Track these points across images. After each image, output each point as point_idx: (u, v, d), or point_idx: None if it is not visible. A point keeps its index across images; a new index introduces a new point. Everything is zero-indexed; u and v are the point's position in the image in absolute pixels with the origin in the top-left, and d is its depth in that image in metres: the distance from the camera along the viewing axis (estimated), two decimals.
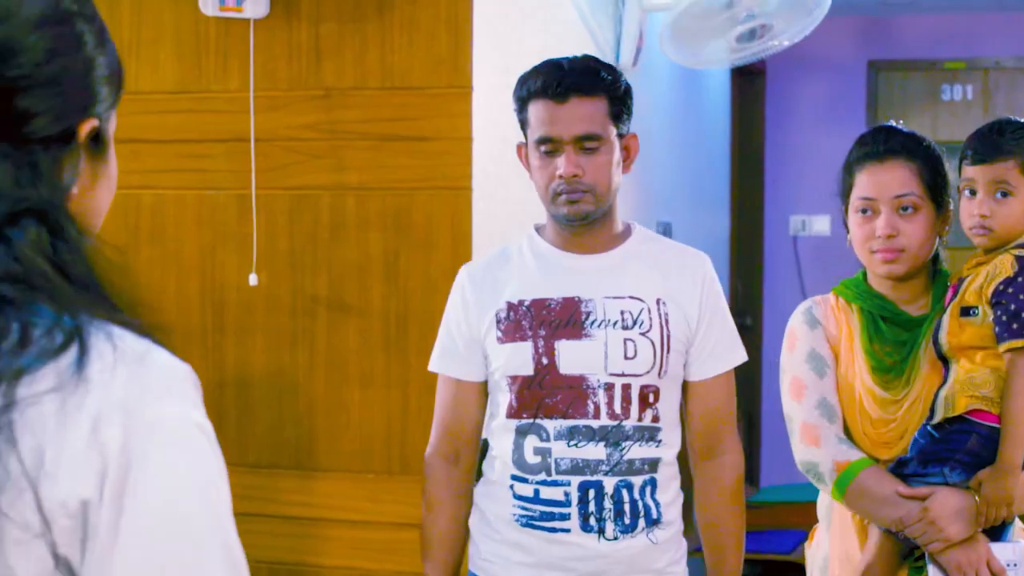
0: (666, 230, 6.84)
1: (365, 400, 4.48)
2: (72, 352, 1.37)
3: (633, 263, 3.41)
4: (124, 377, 1.40)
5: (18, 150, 1.44)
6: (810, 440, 3.38)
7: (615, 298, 3.35)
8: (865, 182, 3.38)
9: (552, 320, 3.34)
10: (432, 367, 3.54)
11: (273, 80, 4.54)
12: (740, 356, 3.48)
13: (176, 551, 1.36)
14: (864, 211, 3.38)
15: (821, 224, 9.50)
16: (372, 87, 4.45)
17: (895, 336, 3.41)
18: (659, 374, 3.33)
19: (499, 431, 3.42)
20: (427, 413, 4.33)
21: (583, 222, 3.35)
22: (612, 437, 3.30)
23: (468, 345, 3.45)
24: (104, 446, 1.35)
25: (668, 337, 3.34)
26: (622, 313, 3.33)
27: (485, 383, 3.47)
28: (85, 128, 1.52)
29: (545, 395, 3.33)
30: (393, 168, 4.43)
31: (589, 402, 3.30)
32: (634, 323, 3.33)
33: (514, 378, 3.36)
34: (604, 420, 3.30)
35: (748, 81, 9.43)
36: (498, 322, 3.38)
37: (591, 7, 5.57)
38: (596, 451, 3.30)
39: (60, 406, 1.35)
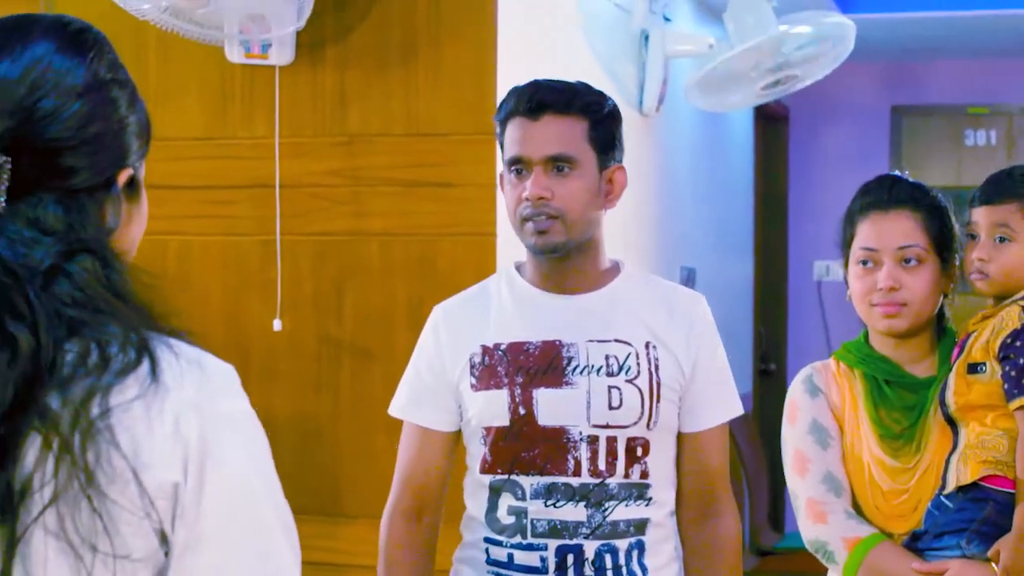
0: (690, 275, 6.84)
1: (390, 446, 4.45)
2: (145, 363, 1.65)
3: (620, 304, 3.11)
4: (191, 380, 1.69)
5: (68, 198, 1.71)
6: (816, 517, 3.16)
7: (600, 342, 3.05)
8: (867, 232, 3.23)
9: (530, 366, 3.04)
10: (395, 412, 3.26)
11: (298, 126, 4.56)
12: (736, 408, 3.20)
13: (244, 512, 1.69)
14: (865, 262, 3.22)
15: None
16: (397, 133, 4.47)
17: (902, 400, 3.21)
18: (648, 425, 3.03)
19: (473, 487, 3.14)
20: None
21: (554, 255, 3.04)
22: (594, 497, 2.99)
23: (438, 391, 3.15)
24: (185, 439, 1.65)
25: (658, 384, 3.04)
26: (607, 358, 3.03)
27: (455, 433, 3.18)
28: (122, 177, 1.79)
29: (521, 448, 3.02)
30: (417, 214, 4.44)
31: (569, 457, 3.00)
32: (620, 369, 3.03)
33: (488, 429, 3.06)
34: (585, 477, 2.99)
35: (772, 126, 9.44)
36: (472, 367, 3.09)
37: (614, 53, 5.59)
38: (576, 512, 2.99)
39: (146, 409, 1.64)
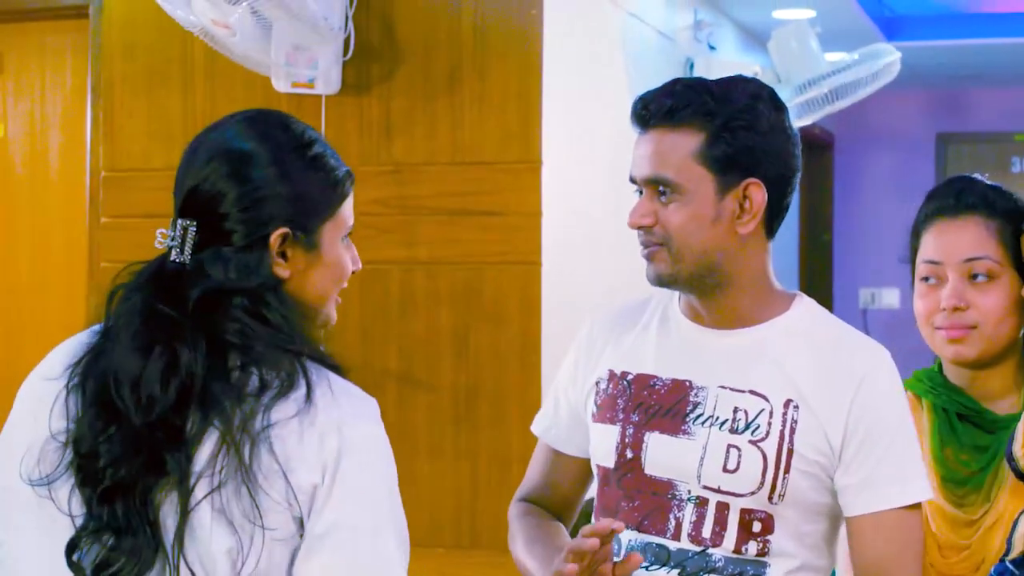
0: None
1: (435, 473, 4.48)
2: (303, 388, 2.08)
3: (770, 348, 2.57)
4: (339, 404, 2.11)
5: (234, 253, 2.15)
6: None
7: (732, 390, 2.54)
8: (931, 243, 2.74)
9: (652, 404, 2.59)
10: (532, 427, 2.87)
11: (344, 155, 4.49)
12: (911, 493, 2.51)
13: (363, 511, 2.10)
14: (927, 279, 2.73)
15: (891, 297, 9.46)
16: (442, 162, 4.47)
17: (973, 440, 2.70)
18: (771, 498, 2.49)
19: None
20: (497, 486, 4.34)
21: (673, 288, 2.61)
22: (691, 567, 2.52)
23: (572, 415, 2.76)
24: (327, 451, 2.07)
25: (789, 453, 2.49)
26: (735, 411, 2.53)
27: (587, 461, 2.75)
28: (274, 236, 2.16)
29: (623, 498, 2.60)
30: (463, 243, 4.44)
31: (671, 517, 2.54)
32: (747, 427, 2.52)
33: (599, 468, 2.66)
34: (685, 543, 2.52)
35: (817, 154, 9.43)
36: (596, 394, 2.68)
37: (659, 81, 5.58)
38: None
39: (299, 425, 2.06)
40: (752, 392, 2.53)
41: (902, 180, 9.64)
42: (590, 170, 4.77)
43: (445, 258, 4.47)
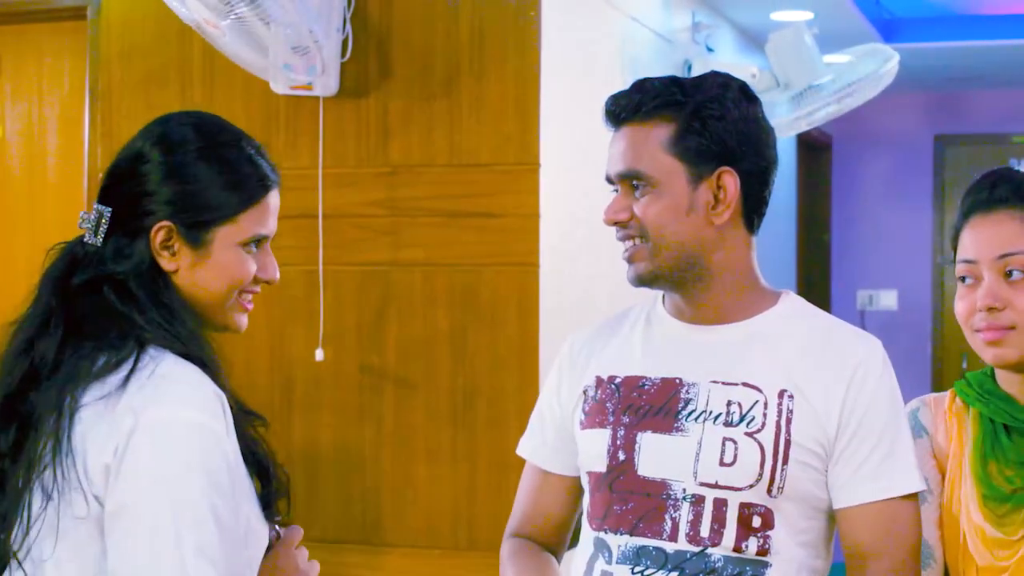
0: None
1: (432, 476, 4.49)
2: (124, 371, 2.13)
3: (759, 341, 2.54)
4: (145, 388, 2.13)
5: (119, 242, 2.26)
6: None
7: (724, 384, 2.50)
8: (967, 241, 2.56)
9: (641, 405, 2.54)
10: (519, 450, 2.83)
11: (342, 157, 4.57)
12: (903, 485, 2.47)
13: (147, 495, 2.09)
14: (964, 279, 2.56)
15: (888, 299, 9.46)
16: (440, 164, 4.48)
17: (1020, 454, 2.53)
18: (769, 491, 2.44)
19: (582, 543, 2.63)
20: (495, 489, 4.34)
21: (655, 286, 2.57)
22: (690, 568, 2.45)
23: (559, 431, 2.70)
24: (120, 432, 2.10)
25: (787, 443, 2.44)
26: (728, 404, 2.48)
27: (577, 479, 2.70)
28: (155, 229, 2.23)
29: (615, 501, 2.52)
30: (460, 244, 4.45)
31: (667, 517, 2.47)
32: (741, 419, 2.46)
33: (590, 475, 2.59)
34: (682, 544, 2.45)
35: (814, 155, 9.43)
36: (584, 401, 2.63)
37: None
38: None
39: (104, 407, 2.12)
40: (745, 384, 2.49)
41: (900, 182, 9.65)
42: (588, 172, 4.77)
43: (442, 260, 4.47)
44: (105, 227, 2.26)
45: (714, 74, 2.60)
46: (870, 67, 5.86)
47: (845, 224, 9.69)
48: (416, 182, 4.50)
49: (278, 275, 2.37)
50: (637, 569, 2.48)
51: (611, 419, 2.55)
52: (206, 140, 2.28)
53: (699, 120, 2.49)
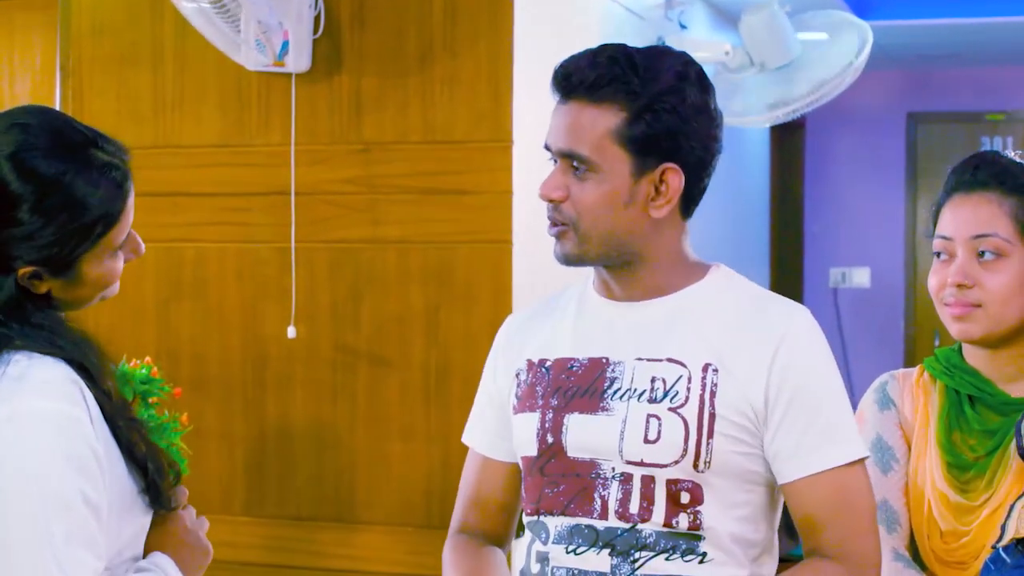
0: None
1: (406, 453, 4.48)
2: None
3: (683, 316, 2.49)
4: (2, 386, 2.12)
5: None
6: None
7: (649, 360, 2.46)
8: (945, 219, 2.67)
9: (569, 387, 2.50)
10: (463, 437, 2.80)
11: (314, 134, 4.56)
12: (847, 452, 2.43)
13: (7, 488, 2.07)
14: (939, 254, 2.68)
15: (861, 276, 9.48)
16: (413, 141, 4.47)
17: (983, 424, 2.65)
18: (696, 466, 2.40)
19: (525, 529, 2.62)
20: None
21: (581, 265, 2.53)
22: (621, 544, 2.42)
23: (498, 416, 2.66)
24: None
25: (711, 417, 2.40)
26: (652, 380, 2.44)
27: (516, 465, 2.66)
28: (20, 273, 2.19)
29: (546, 484, 2.50)
30: (434, 222, 4.44)
31: (596, 496, 2.45)
32: (665, 395, 2.43)
33: (523, 460, 2.57)
34: (612, 521, 2.43)
35: (787, 134, 9.43)
36: (517, 386, 2.60)
37: None
38: (598, 561, 2.44)
39: None
40: (669, 360, 2.45)
41: (872, 160, 9.67)
42: None
43: (415, 237, 4.47)
44: None
45: (671, 58, 2.49)
46: (845, 56, 5.84)
47: (818, 202, 9.71)
48: (389, 159, 4.49)
49: (144, 247, 2.35)
50: (570, 548, 2.46)
51: (540, 402, 2.52)
52: (40, 186, 2.19)
53: (652, 113, 2.41)
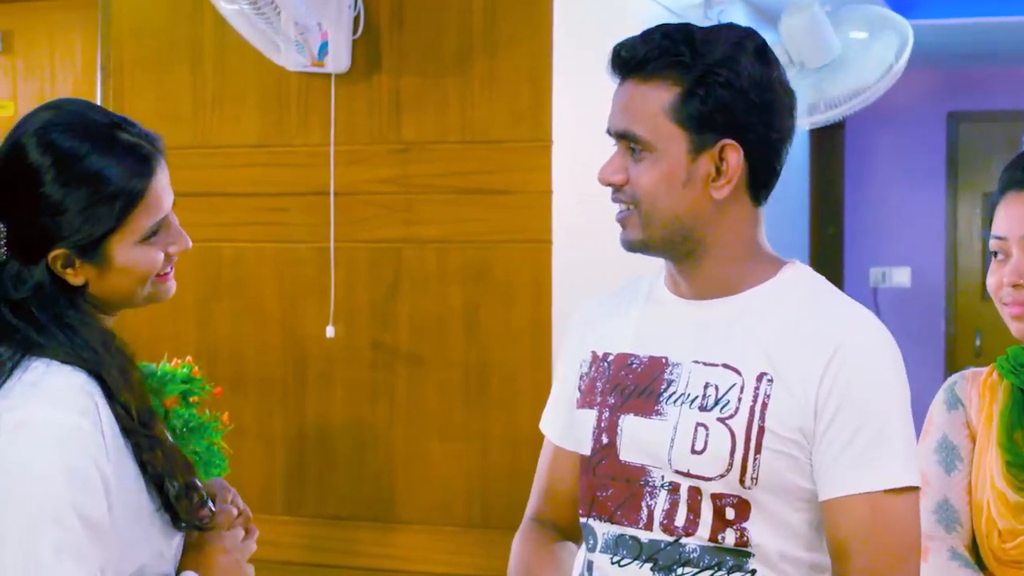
0: None
1: (444, 453, 4.48)
2: (0, 380, 2.15)
3: (747, 318, 2.34)
4: (12, 394, 2.13)
5: (16, 264, 2.24)
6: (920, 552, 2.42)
7: (705, 364, 2.33)
8: (1000, 217, 2.61)
9: (628, 385, 2.40)
10: (540, 423, 2.67)
11: (353, 134, 4.57)
12: (894, 476, 2.24)
13: (2, 498, 2.08)
14: (996, 253, 2.62)
15: (901, 276, 9.44)
16: (452, 141, 4.47)
17: None
18: (743, 481, 2.27)
19: None
20: (507, 466, 4.34)
21: (646, 253, 2.40)
22: (664, 559, 2.31)
23: (569, 404, 2.53)
24: None
25: (760, 431, 2.26)
26: (705, 387, 2.32)
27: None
28: (51, 257, 2.21)
29: (598, 487, 2.41)
30: (473, 221, 4.44)
31: (643, 505, 2.34)
32: (715, 403, 2.30)
33: (580, 457, 2.48)
34: (657, 533, 2.32)
35: (827, 134, 9.39)
36: (581, 378, 2.50)
37: None
38: (641, 574, 2.34)
39: None
40: (725, 366, 2.31)
41: (913, 160, 9.62)
42: (600, 148, 4.75)
43: (454, 237, 4.47)
44: (4, 240, 2.24)
45: (729, 29, 2.38)
46: (886, 56, 5.81)
47: (858, 201, 9.67)
48: (428, 159, 4.49)
49: (190, 243, 2.34)
50: (615, 559, 2.36)
51: (599, 399, 2.42)
52: (61, 160, 2.22)
53: (705, 86, 2.28)
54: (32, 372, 2.15)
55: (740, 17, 6.78)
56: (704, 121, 2.29)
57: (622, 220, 2.36)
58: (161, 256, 2.29)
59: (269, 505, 4.63)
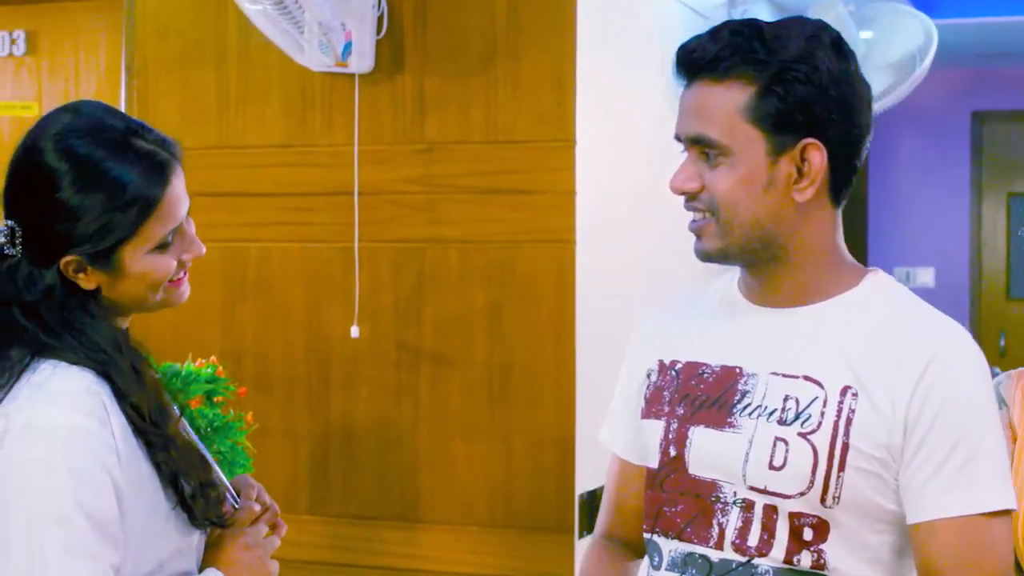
0: None
1: (468, 453, 4.48)
2: (10, 383, 2.17)
3: (829, 329, 2.24)
4: (18, 396, 2.15)
5: (28, 266, 2.24)
6: None
7: (784, 376, 2.23)
8: None
9: (698, 395, 2.30)
10: (600, 433, 2.59)
11: (377, 134, 4.57)
12: (987, 500, 2.14)
13: (8, 499, 2.09)
14: None
15: (925, 276, 9.42)
16: (476, 141, 4.47)
17: None
18: (823, 500, 2.16)
19: None
20: (531, 466, 4.33)
21: (723, 263, 2.30)
22: None
23: (633, 415, 2.44)
24: None
25: (844, 448, 2.16)
26: (785, 399, 2.21)
27: None
28: (63, 263, 2.22)
29: (665, 502, 2.30)
30: (496, 222, 4.44)
31: (714, 523, 2.24)
32: (796, 417, 2.18)
33: (646, 470, 2.38)
34: (728, 552, 2.21)
35: None
36: (647, 386, 2.41)
37: None
38: None
39: None
40: (806, 378, 2.20)
41: (936, 158, 9.61)
42: (624, 149, 4.76)
43: (478, 237, 4.47)
44: (20, 239, 2.25)
45: (801, 23, 2.26)
46: (909, 56, 5.79)
47: (882, 201, 9.66)
48: (452, 159, 4.50)
49: (203, 249, 2.36)
50: None
51: (666, 409, 2.32)
52: (75, 166, 2.23)
53: (782, 84, 2.18)
54: (39, 374, 2.17)
55: (764, 16, 6.76)
56: (783, 120, 2.20)
57: (696, 229, 2.27)
58: (174, 264, 2.31)
59: (293, 505, 4.64)
